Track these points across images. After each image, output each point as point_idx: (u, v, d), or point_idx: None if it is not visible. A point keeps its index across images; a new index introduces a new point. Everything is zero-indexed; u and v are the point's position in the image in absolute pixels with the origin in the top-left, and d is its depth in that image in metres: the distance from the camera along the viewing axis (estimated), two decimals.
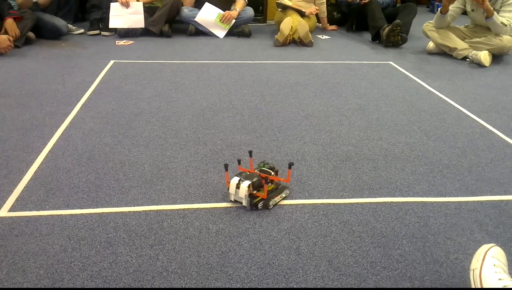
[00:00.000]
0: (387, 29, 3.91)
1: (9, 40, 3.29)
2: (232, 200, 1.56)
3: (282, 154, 1.94)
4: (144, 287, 1.19)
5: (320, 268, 1.28)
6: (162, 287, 1.20)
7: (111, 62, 3.26)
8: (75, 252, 1.32)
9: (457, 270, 1.29)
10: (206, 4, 4.13)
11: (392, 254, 1.35)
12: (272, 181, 1.60)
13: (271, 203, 1.54)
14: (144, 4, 4.07)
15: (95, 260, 1.28)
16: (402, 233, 1.45)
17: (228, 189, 1.55)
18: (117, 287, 1.19)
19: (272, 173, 1.62)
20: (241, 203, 1.54)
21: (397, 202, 1.62)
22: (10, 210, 1.50)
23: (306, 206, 1.57)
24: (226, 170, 1.59)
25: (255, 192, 1.54)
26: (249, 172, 1.60)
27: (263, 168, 1.63)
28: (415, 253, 1.35)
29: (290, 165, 1.59)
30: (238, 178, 1.55)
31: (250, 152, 1.69)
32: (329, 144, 2.05)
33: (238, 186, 1.53)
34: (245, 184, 1.51)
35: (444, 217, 1.53)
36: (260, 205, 1.53)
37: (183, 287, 1.20)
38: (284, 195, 1.60)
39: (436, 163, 1.91)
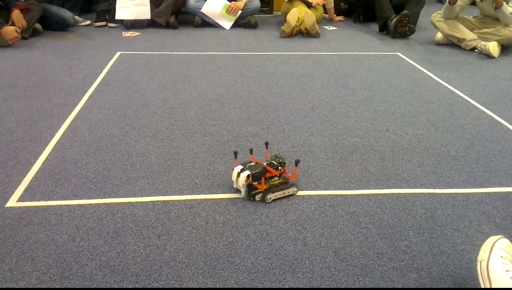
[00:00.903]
0: (394, 19, 3.87)
1: (16, 31, 3.30)
2: (235, 187, 1.58)
3: (288, 146, 1.94)
4: (152, 276, 1.20)
5: (326, 258, 1.28)
6: (170, 276, 1.21)
7: (118, 53, 3.26)
8: (83, 241, 1.33)
9: (464, 261, 1.29)
10: None
11: (399, 245, 1.34)
12: (280, 176, 1.59)
13: (269, 196, 1.53)
14: None
15: (103, 249, 1.30)
16: (409, 224, 1.44)
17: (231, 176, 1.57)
18: (125, 276, 1.20)
19: (280, 168, 1.59)
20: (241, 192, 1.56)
21: (404, 193, 1.61)
22: (19, 200, 1.52)
23: (312, 197, 1.57)
24: (236, 157, 1.61)
25: (255, 183, 1.53)
26: (256, 162, 1.60)
27: (273, 162, 1.61)
28: (422, 244, 1.35)
29: (297, 163, 1.56)
30: (242, 167, 1.55)
31: (267, 144, 1.69)
32: (336, 136, 2.04)
33: (239, 175, 1.54)
34: (245, 174, 1.52)
35: (452, 209, 1.53)
36: (257, 197, 1.53)
37: (189, 277, 1.21)
38: (289, 192, 1.58)
39: (443, 154, 1.90)
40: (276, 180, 1.58)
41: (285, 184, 1.58)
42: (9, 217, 1.43)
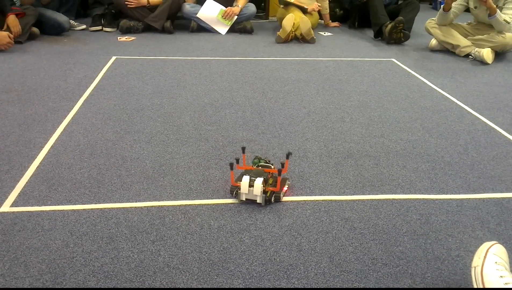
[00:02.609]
0: (389, 26, 3.90)
1: (9, 37, 3.28)
2: (243, 199, 1.55)
3: (283, 151, 1.94)
4: (146, 282, 1.20)
5: (321, 264, 1.28)
6: (164, 282, 1.20)
7: (113, 58, 3.26)
8: (77, 247, 1.32)
9: (458, 267, 1.29)
10: (208, 0, 4.12)
11: (393, 251, 1.35)
12: (272, 175, 1.62)
13: (282, 195, 1.57)
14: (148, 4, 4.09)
15: (97, 255, 1.29)
16: (403, 230, 1.45)
17: (239, 189, 1.54)
18: (119, 282, 1.19)
19: (273, 167, 1.65)
20: (254, 201, 1.54)
21: (399, 199, 1.62)
22: (12, 205, 1.51)
23: (307, 203, 1.57)
24: (232, 169, 1.58)
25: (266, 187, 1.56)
26: (251, 169, 1.62)
27: (261, 164, 1.66)
28: (417, 250, 1.35)
29: (288, 155, 1.63)
30: (249, 177, 1.53)
31: (243, 149, 1.67)
32: (331, 141, 2.05)
33: (251, 185, 1.52)
34: (259, 181, 1.51)
35: (446, 214, 1.53)
36: (272, 199, 1.55)
37: (184, 283, 1.20)
38: (288, 186, 1.63)
39: (438, 160, 1.91)
40: (270, 180, 1.60)
41: (282, 180, 1.61)
42: (2, 222, 1.42)
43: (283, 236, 1.40)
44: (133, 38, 3.90)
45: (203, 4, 4.12)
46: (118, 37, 3.90)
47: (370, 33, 4.25)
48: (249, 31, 4.23)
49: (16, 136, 2.00)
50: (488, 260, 1.12)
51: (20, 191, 1.59)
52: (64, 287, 1.17)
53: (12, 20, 3.39)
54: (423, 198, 1.63)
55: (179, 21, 4.38)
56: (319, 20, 4.60)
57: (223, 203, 1.55)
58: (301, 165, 1.82)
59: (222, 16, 4.14)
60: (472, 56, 3.48)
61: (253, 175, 1.56)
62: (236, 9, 4.15)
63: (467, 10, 3.65)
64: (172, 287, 1.19)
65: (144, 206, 1.53)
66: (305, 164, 1.83)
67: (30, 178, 1.68)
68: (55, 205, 1.52)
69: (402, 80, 2.98)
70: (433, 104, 2.56)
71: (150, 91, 2.62)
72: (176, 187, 1.65)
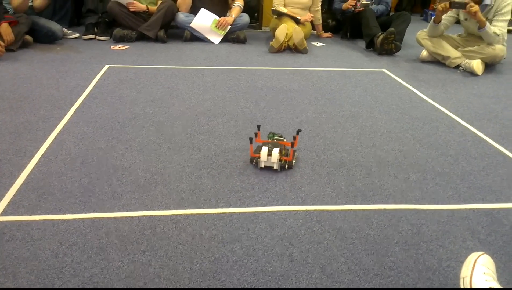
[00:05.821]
0: (381, 37, 3.93)
1: (0, 45, 3.26)
2: (262, 166, 1.82)
3: None
4: None
5: (313, 275, 1.28)
6: None
7: (106, 66, 3.25)
8: (66, 257, 1.31)
9: (449, 277, 1.30)
10: (202, 10, 4.14)
11: (385, 261, 1.35)
12: (285, 147, 1.88)
13: (293, 163, 1.86)
14: (142, 11, 4.10)
15: (87, 265, 1.28)
16: (394, 240, 1.45)
17: (258, 158, 1.82)
18: None
19: (285, 140, 1.96)
20: (271, 167, 1.82)
21: (390, 209, 1.62)
22: (1, 214, 1.49)
23: (299, 213, 1.57)
24: (251, 143, 1.85)
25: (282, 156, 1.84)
26: (268, 142, 1.90)
27: (276, 137, 1.96)
28: (408, 260, 1.36)
29: (298, 132, 1.94)
30: (267, 147, 1.81)
31: (258, 126, 1.99)
32: (323, 151, 2.06)
33: (269, 154, 1.79)
34: (276, 151, 1.80)
35: (437, 225, 1.54)
36: (286, 166, 1.84)
37: None
38: (296, 156, 1.92)
39: (428, 170, 1.92)
40: (283, 152, 1.85)
41: (293, 153, 1.86)
42: None
43: (274, 246, 1.39)
44: (126, 46, 3.90)
45: (196, 13, 4.14)
46: (111, 46, 3.90)
47: (362, 43, 4.29)
48: (242, 41, 4.25)
49: (6, 144, 1.99)
50: (477, 270, 1.13)
51: (10, 200, 1.57)
52: None
53: (5, 28, 3.37)
54: (414, 208, 1.63)
55: (173, 30, 4.39)
56: (312, 31, 4.64)
57: (215, 213, 1.55)
58: (293, 175, 1.83)
59: (216, 26, 4.16)
60: (462, 67, 3.52)
61: (271, 146, 1.84)
62: (229, 19, 4.17)
63: (458, 22, 3.70)
64: None
65: (135, 216, 1.52)
66: (297, 174, 1.84)
67: (20, 187, 1.66)
68: (45, 214, 1.50)
69: (394, 90, 3.01)
70: (424, 114, 2.59)
71: (143, 100, 2.61)
72: (167, 196, 1.64)
